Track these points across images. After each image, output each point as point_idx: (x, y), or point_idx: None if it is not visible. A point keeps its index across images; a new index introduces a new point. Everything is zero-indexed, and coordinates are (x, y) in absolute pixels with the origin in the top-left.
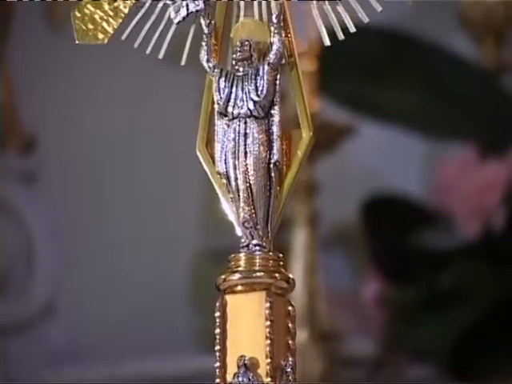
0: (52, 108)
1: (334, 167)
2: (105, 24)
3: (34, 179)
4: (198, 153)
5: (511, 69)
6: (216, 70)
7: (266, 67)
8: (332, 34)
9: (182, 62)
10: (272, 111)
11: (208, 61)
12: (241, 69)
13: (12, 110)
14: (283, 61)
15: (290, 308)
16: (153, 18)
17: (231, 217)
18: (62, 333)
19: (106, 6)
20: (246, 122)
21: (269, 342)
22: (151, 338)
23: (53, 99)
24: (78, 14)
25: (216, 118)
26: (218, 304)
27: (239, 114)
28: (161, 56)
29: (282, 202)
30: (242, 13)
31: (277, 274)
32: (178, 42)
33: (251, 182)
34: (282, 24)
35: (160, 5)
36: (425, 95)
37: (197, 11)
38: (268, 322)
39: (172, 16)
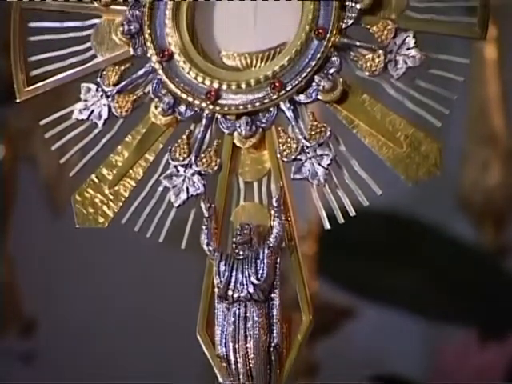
0: (52, 289)
1: (333, 348)
2: (105, 208)
3: (34, 361)
4: (198, 336)
5: (511, 252)
6: (216, 254)
7: (266, 251)
8: (332, 217)
9: (183, 246)
10: (272, 295)
11: (208, 244)
12: (241, 252)
13: (12, 292)
14: (283, 244)
15: None
16: (153, 202)
17: None
18: None
19: (107, 190)
20: (246, 306)
21: None
22: None
23: (53, 281)
24: (79, 198)
25: (216, 301)
26: None
27: (239, 297)
28: (161, 239)
29: None
30: (242, 196)
31: None
32: (178, 224)
33: (251, 365)
34: (282, 207)
35: (160, 188)
36: (425, 277)
37: (197, 195)
38: None
39: (172, 199)
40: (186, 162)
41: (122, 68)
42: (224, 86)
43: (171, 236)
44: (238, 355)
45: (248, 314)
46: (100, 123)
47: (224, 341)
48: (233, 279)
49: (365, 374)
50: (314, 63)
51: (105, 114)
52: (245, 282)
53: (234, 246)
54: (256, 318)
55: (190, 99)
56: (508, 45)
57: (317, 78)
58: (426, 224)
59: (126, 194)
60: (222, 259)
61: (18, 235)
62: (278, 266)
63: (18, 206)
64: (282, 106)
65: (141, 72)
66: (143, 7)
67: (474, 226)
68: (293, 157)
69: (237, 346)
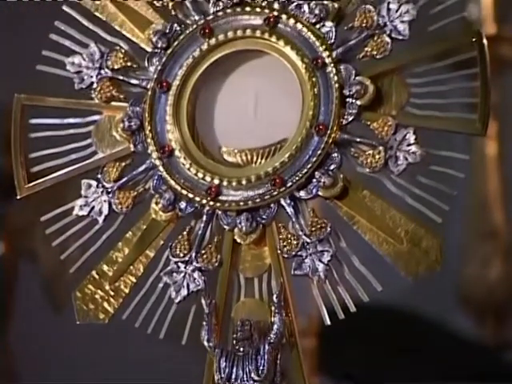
0: (53, 375)
1: None
2: (106, 304)
3: None
4: None
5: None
6: (217, 350)
7: (266, 347)
8: (333, 313)
9: (183, 341)
10: None
11: (209, 340)
12: (241, 348)
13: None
14: (284, 340)
15: None
16: (154, 298)
17: None
18: None
19: (107, 286)
20: None
21: None
22: None
23: (53, 375)
24: (79, 294)
25: None
26: None
27: None
28: (162, 336)
29: None
30: (242, 292)
31: None
32: (179, 320)
33: None
34: (282, 303)
35: (161, 284)
36: (426, 372)
37: (197, 291)
38: None
39: (173, 296)
40: (186, 258)
41: (123, 164)
42: (225, 183)
43: (172, 332)
44: None
45: None
46: (100, 219)
47: None
48: (233, 376)
49: None
50: (314, 159)
51: (105, 210)
52: (245, 379)
53: (234, 341)
54: None
55: (191, 195)
56: (508, 141)
57: (317, 174)
58: (426, 319)
59: (127, 290)
60: (223, 355)
61: (18, 331)
62: (278, 361)
63: (19, 302)
64: (283, 202)
65: (141, 168)
66: (143, 103)
67: (474, 320)
68: (293, 253)
69: None
